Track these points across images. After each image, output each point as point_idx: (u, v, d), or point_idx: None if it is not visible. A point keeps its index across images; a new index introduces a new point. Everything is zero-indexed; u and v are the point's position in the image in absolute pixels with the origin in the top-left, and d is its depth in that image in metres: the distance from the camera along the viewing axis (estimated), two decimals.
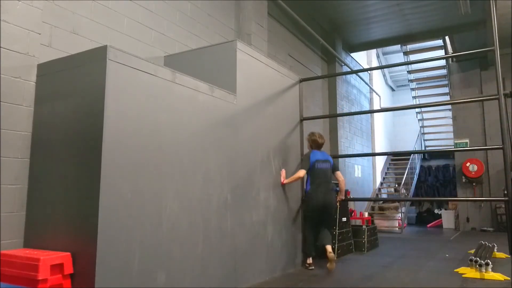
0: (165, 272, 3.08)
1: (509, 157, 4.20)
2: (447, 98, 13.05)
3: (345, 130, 10.52)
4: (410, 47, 12.71)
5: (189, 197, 3.41)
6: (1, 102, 2.95)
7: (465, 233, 10.06)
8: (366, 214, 9.35)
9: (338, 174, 5.23)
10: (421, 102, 14.00)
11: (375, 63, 13.92)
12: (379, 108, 13.23)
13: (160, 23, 4.79)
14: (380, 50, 14.68)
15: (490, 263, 4.53)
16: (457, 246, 7.41)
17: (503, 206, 10.14)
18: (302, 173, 4.92)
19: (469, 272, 4.60)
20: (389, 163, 15.05)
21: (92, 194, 2.66)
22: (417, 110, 14.36)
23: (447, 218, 11.78)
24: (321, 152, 5.16)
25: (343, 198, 5.44)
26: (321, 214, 4.98)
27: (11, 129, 3.01)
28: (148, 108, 3.10)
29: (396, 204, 11.18)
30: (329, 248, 4.78)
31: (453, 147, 11.80)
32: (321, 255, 4.99)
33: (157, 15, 4.76)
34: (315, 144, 5.17)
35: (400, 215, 11.00)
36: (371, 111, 13.83)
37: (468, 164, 10.88)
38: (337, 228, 6.02)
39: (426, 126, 15.17)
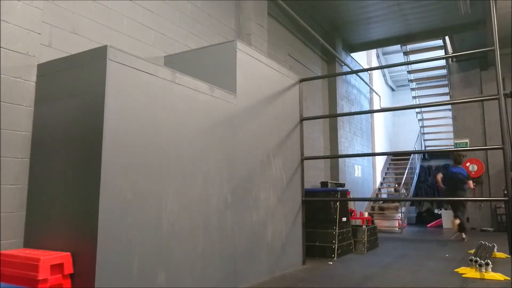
0: (165, 272, 3.09)
1: (509, 157, 4.20)
2: (447, 98, 13.06)
3: (345, 130, 10.52)
4: (410, 47, 12.71)
5: (189, 197, 3.41)
6: (1, 102, 2.95)
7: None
8: (366, 214, 9.37)
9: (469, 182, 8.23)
10: (421, 102, 14.00)
11: (375, 63, 13.92)
12: (379, 108, 13.22)
13: (160, 23, 4.79)
14: (380, 50, 14.67)
15: (490, 263, 4.53)
16: (457, 246, 7.41)
17: (503, 206, 10.15)
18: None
19: (469, 272, 4.60)
20: (389, 163, 15.05)
21: (92, 194, 2.66)
22: (417, 110, 14.38)
23: (447, 218, 11.77)
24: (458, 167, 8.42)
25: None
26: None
27: (11, 129, 3.01)
28: (148, 108, 3.10)
29: (396, 204, 11.18)
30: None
31: (453, 147, 11.80)
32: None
33: (157, 15, 4.76)
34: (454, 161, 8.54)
35: (400, 215, 11.01)
36: (371, 111, 13.83)
37: (468, 164, 10.88)
38: (337, 228, 6.02)
39: (426, 126, 15.17)
